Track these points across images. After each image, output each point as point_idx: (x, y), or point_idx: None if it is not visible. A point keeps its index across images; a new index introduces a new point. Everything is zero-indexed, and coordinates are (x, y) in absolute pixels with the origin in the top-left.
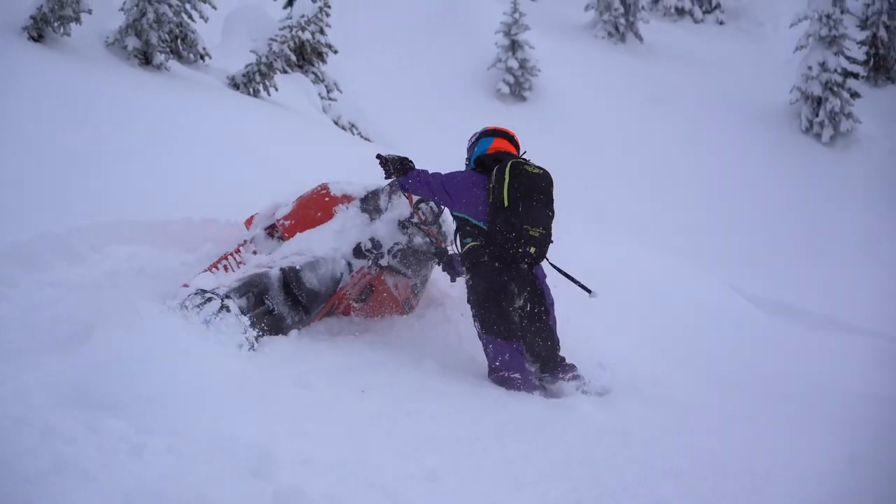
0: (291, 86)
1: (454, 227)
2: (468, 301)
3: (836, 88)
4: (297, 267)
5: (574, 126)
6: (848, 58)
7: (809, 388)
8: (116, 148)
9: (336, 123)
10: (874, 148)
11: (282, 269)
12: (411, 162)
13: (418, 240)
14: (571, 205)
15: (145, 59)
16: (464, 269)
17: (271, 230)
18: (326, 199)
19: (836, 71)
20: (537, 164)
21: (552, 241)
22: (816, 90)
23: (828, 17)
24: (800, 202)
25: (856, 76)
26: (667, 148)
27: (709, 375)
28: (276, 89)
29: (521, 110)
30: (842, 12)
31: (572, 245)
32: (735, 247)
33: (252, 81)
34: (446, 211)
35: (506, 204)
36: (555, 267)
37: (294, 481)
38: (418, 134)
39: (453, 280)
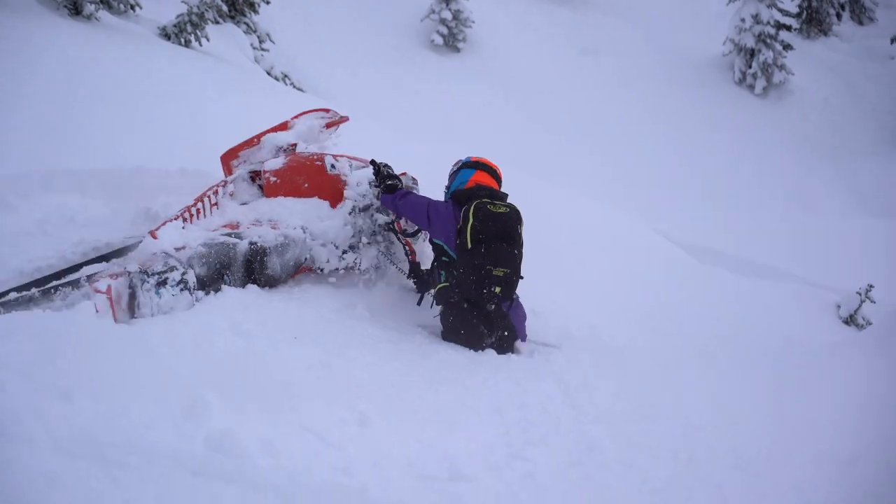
0: (223, 36)
1: (431, 256)
2: (441, 333)
3: (768, 40)
4: (266, 249)
5: (508, 78)
6: (781, 10)
7: (739, 332)
8: (45, 98)
9: (269, 74)
10: (806, 100)
11: (251, 244)
12: (400, 183)
13: (392, 247)
14: (505, 155)
15: (75, 8)
16: (435, 303)
17: (255, 176)
18: (319, 172)
19: (768, 23)
20: (504, 202)
21: (521, 278)
22: (749, 42)
23: None
24: (732, 153)
25: (788, 28)
26: (601, 99)
27: (642, 321)
28: (208, 40)
29: (455, 62)
30: None
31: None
32: (667, 196)
33: (183, 32)
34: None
35: (468, 246)
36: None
37: (226, 425)
38: (351, 85)
39: (419, 301)
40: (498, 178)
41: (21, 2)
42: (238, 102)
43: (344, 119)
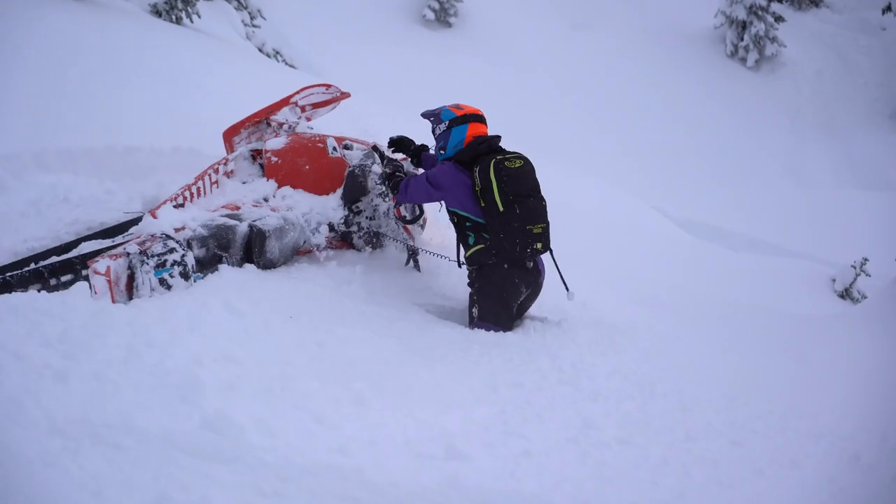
0: (214, 13)
1: (453, 233)
2: (473, 296)
3: (760, 12)
4: (266, 232)
5: (500, 52)
6: None
7: (734, 307)
8: (37, 76)
9: (260, 51)
10: (798, 72)
11: (250, 227)
12: (402, 173)
13: (387, 230)
14: (499, 129)
15: None
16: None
17: (256, 154)
18: (320, 155)
19: None
20: (513, 151)
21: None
22: (741, 14)
23: None
24: (725, 126)
25: (780, 0)
26: (593, 73)
27: (638, 298)
28: (199, 16)
29: (447, 36)
30: None
31: None
32: (661, 171)
33: (174, 9)
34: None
35: (501, 209)
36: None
37: (220, 406)
38: (344, 60)
39: (419, 269)
40: (485, 121)
41: None
42: (230, 79)
43: (346, 95)
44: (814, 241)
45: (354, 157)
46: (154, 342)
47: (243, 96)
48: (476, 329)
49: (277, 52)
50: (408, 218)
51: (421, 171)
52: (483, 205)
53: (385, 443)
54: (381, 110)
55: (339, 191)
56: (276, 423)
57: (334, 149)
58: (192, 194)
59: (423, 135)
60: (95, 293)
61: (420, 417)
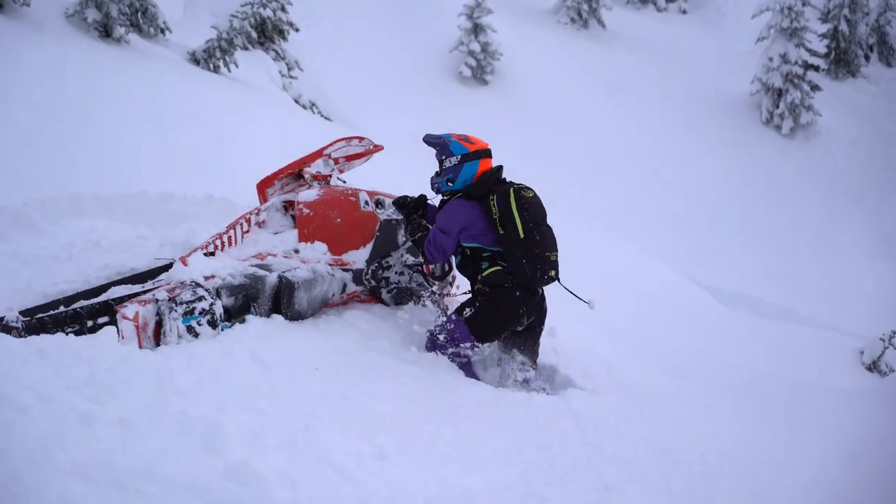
0: (252, 63)
1: (465, 261)
2: (476, 300)
3: (796, 80)
4: (295, 283)
5: (535, 111)
6: (809, 50)
7: (763, 378)
8: (75, 122)
9: (297, 102)
10: (833, 141)
11: (280, 278)
12: (424, 226)
13: (416, 285)
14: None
15: (105, 31)
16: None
17: (288, 205)
18: (352, 208)
19: (796, 63)
20: (522, 183)
21: None
22: (777, 82)
23: (789, 8)
24: (758, 194)
25: (816, 69)
26: (626, 136)
27: (664, 364)
28: (237, 66)
29: (483, 94)
30: (803, 4)
31: None
32: (692, 236)
33: (212, 57)
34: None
35: (522, 235)
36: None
37: (244, 457)
38: (379, 115)
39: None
40: (492, 155)
41: (52, 23)
42: (265, 130)
43: (378, 148)
44: (843, 312)
45: (386, 212)
46: (180, 389)
47: (278, 147)
48: (444, 331)
49: (313, 104)
50: (437, 274)
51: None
52: (501, 232)
53: (406, 500)
54: (415, 169)
55: (369, 245)
56: (299, 476)
57: (366, 203)
58: (223, 243)
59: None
60: (123, 338)
61: (442, 476)
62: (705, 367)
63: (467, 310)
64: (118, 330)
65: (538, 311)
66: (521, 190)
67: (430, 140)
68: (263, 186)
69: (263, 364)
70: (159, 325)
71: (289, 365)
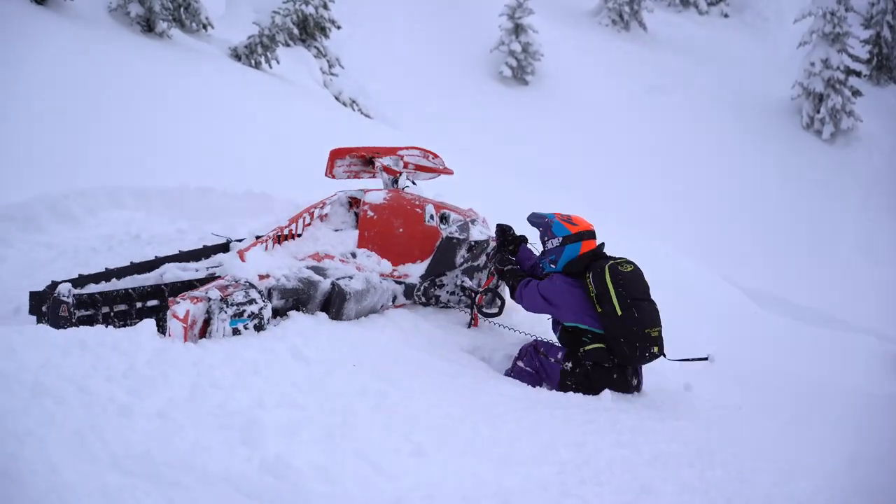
0: (293, 59)
1: (565, 336)
2: (573, 361)
3: (837, 86)
4: (347, 294)
5: (575, 111)
6: (851, 55)
7: (801, 382)
8: (117, 114)
9: (337, 99)
10: (874, 147)
11: (333, 285)
12: (513, 261)
13: (465, 308)
14: (568, 188)
15: (148, 26)
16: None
17: (354, 203)
18: (416, 221)
19: (838, 68)
20: (621, 257)
21: None
22: (818, 87)
23: (832, 14)
24: (798, 198)
25: (858, 74)
26: (666, 138)
27: (703, 367)
28: (278, 62)
29: (523, 94)
30: (846, 10)
31: None
32: (732, 240)
33: (254, 53)
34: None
35: (619, 313)
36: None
37: (281, 450)
38: (419, 114)
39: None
40: (596, 236)
41: (95, 17)
42: (306, 126)
43: (447, 171)
44: (882, 317)
45: (450, 228)
46: (218, 383)
47: (318, 143)
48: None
49: (354, 102)
50: (486, 311)
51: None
52: (600, 310)
53: (442, 497)
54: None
55: (426, 261)
56: (336, 471)
57: (431, 217)
58: (283, 236)
59: (496, 192)
60: (169, 335)
61: (479, 474)
62: (740, 368)
63: (569, 363)
64: (167, 326)
65: (631, 385)
66: (617, 265)
67: (533, 220)
68: (335, 156)
69: (303, 359)
70: (207, 322)
71: (328, 361)
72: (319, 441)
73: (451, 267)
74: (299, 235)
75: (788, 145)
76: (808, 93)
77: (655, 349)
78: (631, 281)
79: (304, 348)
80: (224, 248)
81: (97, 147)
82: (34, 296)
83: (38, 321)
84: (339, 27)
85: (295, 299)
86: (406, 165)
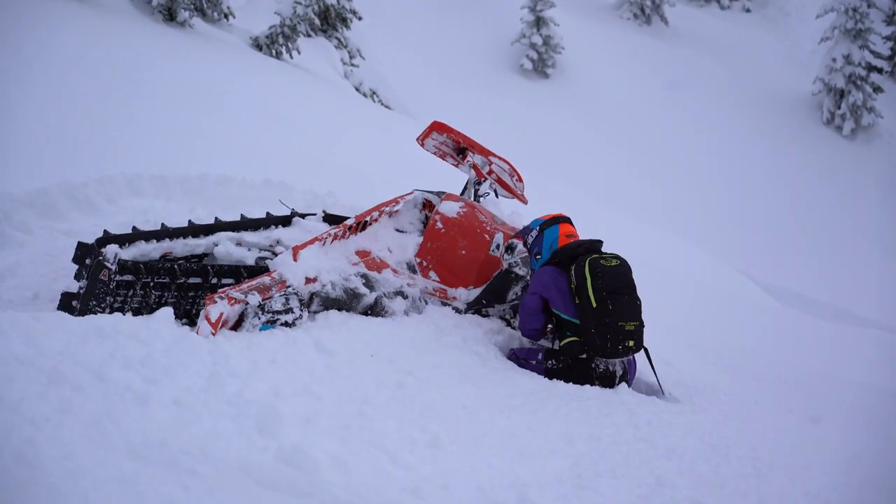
0: (314, 50)
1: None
2: (557, 358)
3: (859, 82)
4: (388, 311)
5: (595, 105)
6: (873, 52)
7: (817, 377)
8: (137, 103)
9: (357, 90)
10: (895, 143)
11: (377, 301)
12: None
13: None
14: (587, 182)
15: (170, 14)
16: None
17: (428, 206)
18: (481, 247)
19: (860, 64)
20: (611, 252)
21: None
22: (839, 83)
23: (854, 10)
24: (816, 193)
25: (880, 71)
26: (686, 132)
27: (719, 359)
28: (299, 52)
29: (544, 87)
30: (868, 6)
31: (589, 223)
32: (750, 234)
33: (275, 43)
34: None
35: (594, 305)
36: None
37: (297, 439)
38: (439, 105)
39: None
40: (572, 223)
41: (117, 5)
42: (324, 117)
43: (522, 199)
44: None
45: (512, 259)
46: (235, 372)
47: (338, 133)
48: (526, 365)
49: (374, 93)
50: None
51: None
52: (577, 302)
53: (458, 487)
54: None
55: (479, 289)
56: (352, 460)
57: (497, 247)
58: (344, 233)
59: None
60: (197, 333)
61: (494, 465)
62: (758, 363)
63: (551, 362)
64: (197, 324)
65: (616, 378)
66: (600, 259)
67: (515, 235)
68: (434, 128)
69: (324, 351)
70: (239, 322)
71: (348, 353)
72: (336, 431)
73: (502, 301)
74: (363, 230)
75: (809, 141)
76: (829, 88)
77: (630, 343)
78: (611, 275)
79: (327, 341)
80: (287, 220)
81: (117, 135)
82: (81, 246)
83: (78, 273)
84: (360, 18)
85: (336, 309)
86: (490, 173)
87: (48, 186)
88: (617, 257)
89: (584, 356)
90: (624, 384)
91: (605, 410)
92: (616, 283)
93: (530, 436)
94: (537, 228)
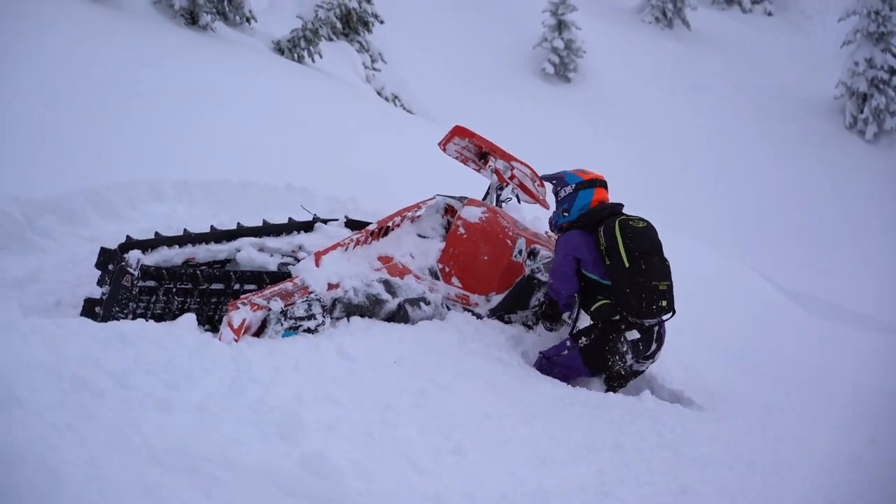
0: (336, 54)
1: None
2: (588, 333)
3: (881, 86)
4: (412, 321)
5: (616, 109)
6: (895, 55)
7: (842, 383)
8: (159, 108)
9: (379, 94)
10: None
11: (399, 307)
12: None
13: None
14: (611, 187)
15: (192, 18)
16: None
17: (450, 211)
18: (503, 254)
19: (882, 68)
20: (637, 215)
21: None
22: (862, 87)
23: (876, 13)
24: (840, 198)
25: None
26: (708, 136)
27: (741, 364)
28: (321, 56)
29: (565, 91)
30: (891, 9)
31: None
32: (773, 239)
33: (297, 47)
34: None
35: (626, 265)
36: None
37: (320, 446)
38: (461, 109)
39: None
40: (608, 188)
41: (138, 9)
42: (347, 122)
43: (543, 204)
44: None
45: (535, 265)
46: (257, 378)
47: (360, 139)
48: (558, 357)
49: (396, 97)
50: (551, 328)
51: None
52: (608, 263)
53: (481, 496)
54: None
55: (500, 295)
56: (374, 468)
57: (520, 252)
58: (364, 239)
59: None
60: (220, 339)
61: (517, 473)
62: (781, 369)
63: (583, 339)
64: (220, 330)
65: (651, 344)
66: (629, 220)
67: (546, 177)
68: (456, 133)
69: (347, 357)
70: (262, 328)
71: (370, 359)
72: (358, 437)
73: (524, 308)
74: (385, 235)
75: (831, 145)
76: (851, 92)
77: (664, 303)
78: (640, 236)
79: (350, 347)
80: (309, 225)
81: (138, 141)
82: (104, 251)
83: (101, 279)
84: (381, 21)
85: (358, 314)
86: (512, 178)
87: (70, 192)
88: (643, 219)
89: (618, 318)
90: (647, 391)
91: (629, 418)
92: (645, 243)
93: (553, 444)
94: (573, 186)
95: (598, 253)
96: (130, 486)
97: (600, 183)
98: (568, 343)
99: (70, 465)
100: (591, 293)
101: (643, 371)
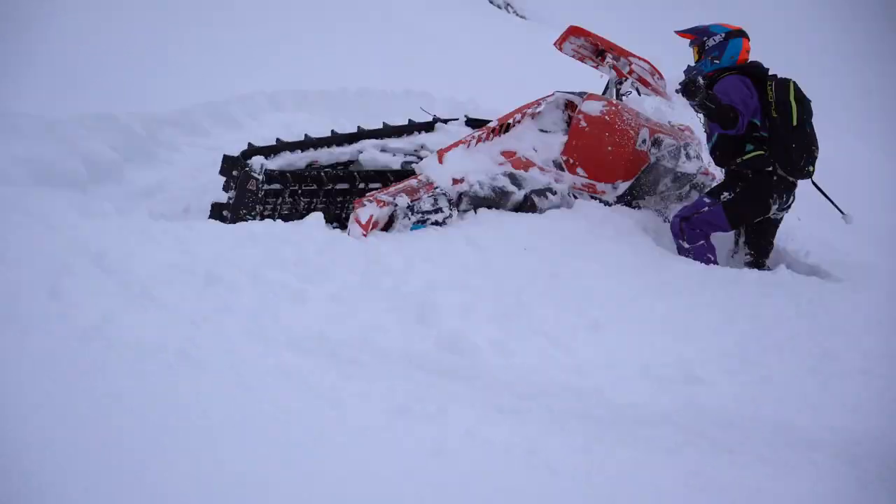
0: None
1: (723, 146)
2: (728, 187)
3: None
4: (540, 210)
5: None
6: None
7: None
8: (275, 19)
9: (490, 2)
10: None
11: (526, 197)
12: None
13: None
14: None
15: None
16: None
17: (570, 106)
18: (626, 143)
19: None
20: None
21: None
22: None
23: None
24: None
25: None
26: None
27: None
28: None
29: None
30: None
31: None
32: None
33: None
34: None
35: (795, 123)
36: (815, 185)
37: (457, 327)
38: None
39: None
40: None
41: None
42: (458, 26)
43: (663, 95)
44: None
45: (659, 153)
46: (389, 269)
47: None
48: (698, 213)
49: (508, 4)
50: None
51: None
52: (774, 116)
53: (622, 366)
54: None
55: (628, 182)
56: (513, 345)
57: (643, 141)
58: (489, 133)
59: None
60: (348, 235)
61: (657, 344)
62: None
63: (725, 194)
64: (347, 227)
65: (791, 196)
66: (798, 86)
67: (685, 30)
68: (572, 32)
69: (476, 246)
70: (389, 223)
71: (499, 245)
72: (494, 319)
73: (652, 193)
74: (506, 132)
75: None
76: None
77: (811, 168)
78: (807, 101)
79: (479, 237)
80: (430, 126)
81: (256, 52)
82: (227, 158)
83: (226, 185)
84: None
85: (484, 206)
86: (631, 73)
87: (191, 106)
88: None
89: (770, 169)
90: (783, 265)
91: (766, 290)
92: (809, 112)
93: (691, 317)
94: (723, 35)
95: (760, 103)
96: (269, 370)
97: (744, 33)
98: (707, 200)
99: (209, 352)
100: (738, 142)
101: (780, 220)
